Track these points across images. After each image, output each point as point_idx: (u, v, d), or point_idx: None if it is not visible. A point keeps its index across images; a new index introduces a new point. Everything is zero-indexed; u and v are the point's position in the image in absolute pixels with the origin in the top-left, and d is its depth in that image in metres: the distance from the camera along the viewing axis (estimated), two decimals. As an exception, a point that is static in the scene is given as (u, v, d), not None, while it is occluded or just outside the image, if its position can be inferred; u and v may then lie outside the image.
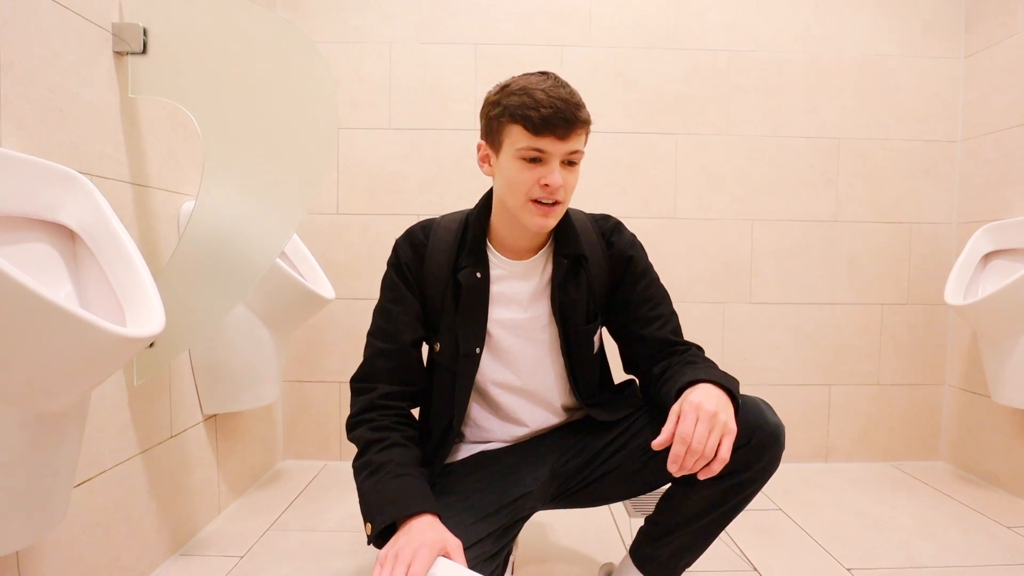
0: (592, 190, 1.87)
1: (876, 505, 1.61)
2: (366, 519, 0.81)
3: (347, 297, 1.84)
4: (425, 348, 1.01)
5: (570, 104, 0.84)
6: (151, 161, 1.20)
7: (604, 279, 1.00)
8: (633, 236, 1.03)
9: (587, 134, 0.91)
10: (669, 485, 0.97)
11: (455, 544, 0.75)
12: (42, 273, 0.81)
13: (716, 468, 0.75)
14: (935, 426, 1.97)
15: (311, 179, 1.16)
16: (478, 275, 0.94)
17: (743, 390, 0.92)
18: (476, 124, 1.88)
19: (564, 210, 0.92)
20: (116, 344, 0.69)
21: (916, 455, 1.97)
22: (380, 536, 0.79)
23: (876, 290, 1.93)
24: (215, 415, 1.47)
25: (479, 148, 0.95)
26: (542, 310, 0.98)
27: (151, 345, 1.11)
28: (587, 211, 1.05)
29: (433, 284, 0.95)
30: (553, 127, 0.83)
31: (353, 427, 0.92)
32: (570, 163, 0.88)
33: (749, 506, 0.94)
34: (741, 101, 1.88)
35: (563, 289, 0.97)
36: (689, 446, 0.74)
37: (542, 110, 0.82)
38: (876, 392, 1.95)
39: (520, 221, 0.90)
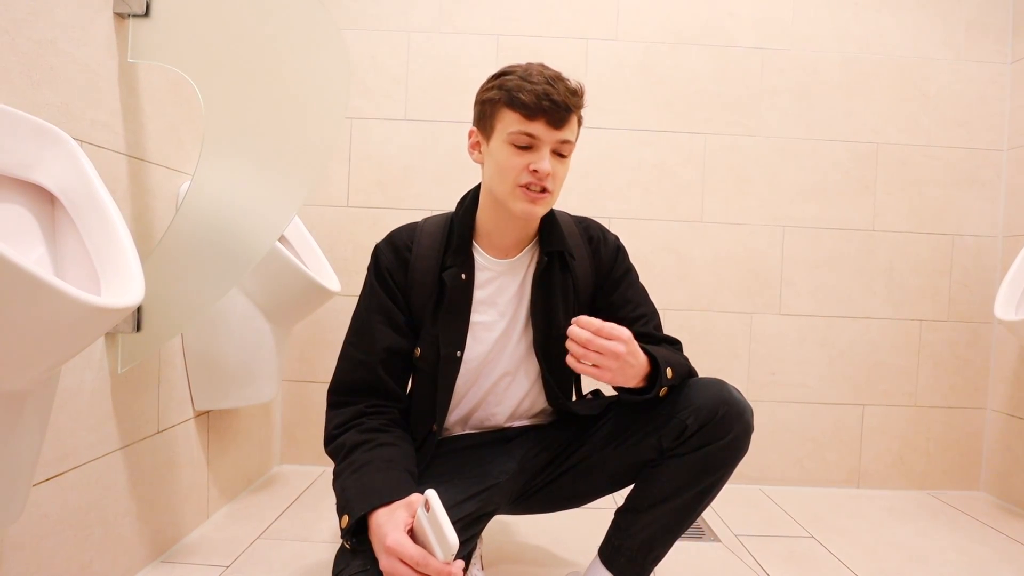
0: (616, 190, 1.79)
1: (916, 537, 1.48)
2: (342, 512, 0.77)
3: (353, 293, 1.73)
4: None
5: (566, 91, 0.83)
6: (150, 135, 1.13)
7: (589, 281, 0.99)
8: (617, 239, 1.03)
9: (580, 126, 0.90)
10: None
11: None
12: (12, 236, 0.72)
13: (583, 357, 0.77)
14: (976, 453, 1.83)
15: (316, 161, 1.08)
16: (463, 276, 0.92)
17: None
18: (495, 117, 1.82)
19: (552, 201, 0.90)
20: (85, 314, 0.60)
21: (955, 484, 1.83)
22: (356, 530, 0.73)
23: (914, 305, 1.81)
24: (208, 411, 1.37)
25: (470, 135, 0.93)
26: (523, 310, 0.96)
27: (139, 329, 1.03)
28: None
29: (419, 290, 0.93)
30: (546, 112, 0.82)
31: (335, 437, 0.87)
32: (560, 155, 0.87)
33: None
34: (773, 101, 1.79)
35: (544, 286, 0.94)
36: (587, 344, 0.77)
37: (536, 95, 0.81)
38: (913, 414, 1.82)
39: (508, 209, 0.89)
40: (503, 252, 0.95)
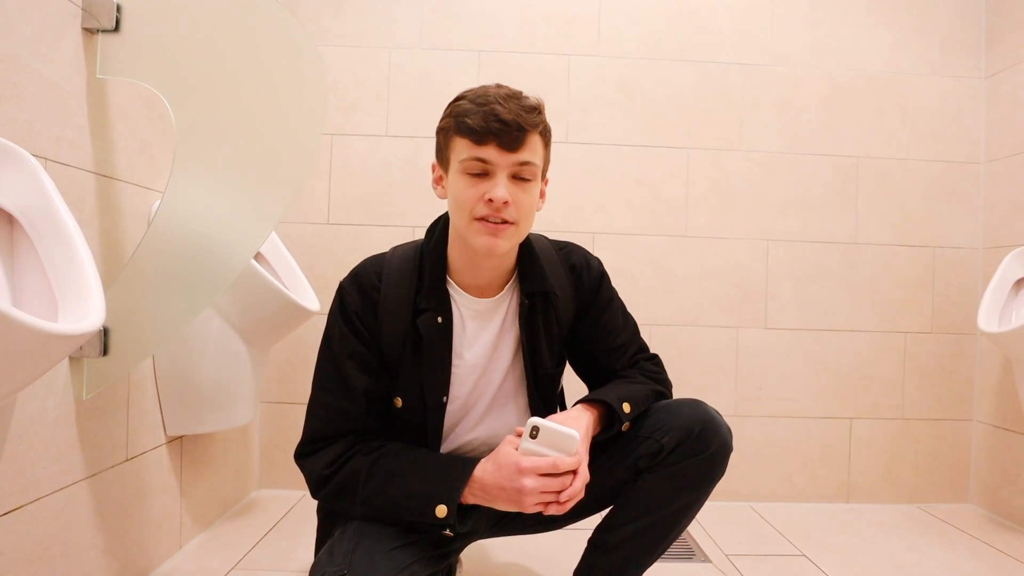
0: (599, 206, 1.78)
1: (908, 553, 1.46)
2: (428, 505, 0.77)
3: (335, 312, 1.72)
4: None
5: (518, 110, 0.76)
6: (121, 152, 1.10)
7: (570, 312, 0.95)
8: (599, 264, 0.98)
9: (545, 146, 0.82)
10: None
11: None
12: (-37, 258, 0.69)
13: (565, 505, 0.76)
14: (963, 466, 1.83)
15: (292, 177, 1.06)
16: (439, 320, 0.86)
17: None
18: (478, 133, 1.81)
19: (520, 233, 0.82)
20: (38, 341, 0.57)
21: (943, 497, 1.82)
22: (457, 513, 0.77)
23: (899, 317, 1.82)
24: (181, 437, 1.32)
25: (433, 169, 0.87)
26: (505, 349, 0.91)
27: (106, 352, 0.99)
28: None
29: (389, 332, 0.86)
30: (496, 135, 0.76)
31: (331, 476, 0.82)
32: (522, 178, 0.79)
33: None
34: (755, 116, 1.81)
35: (529, 331, 0.89)
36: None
37: (484, 117, 0.76)
38: (900, 427, 1.82)
39: (470, 245, 0.82)
40: (480, 291, 0.89)
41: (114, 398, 1.09)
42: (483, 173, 0.78)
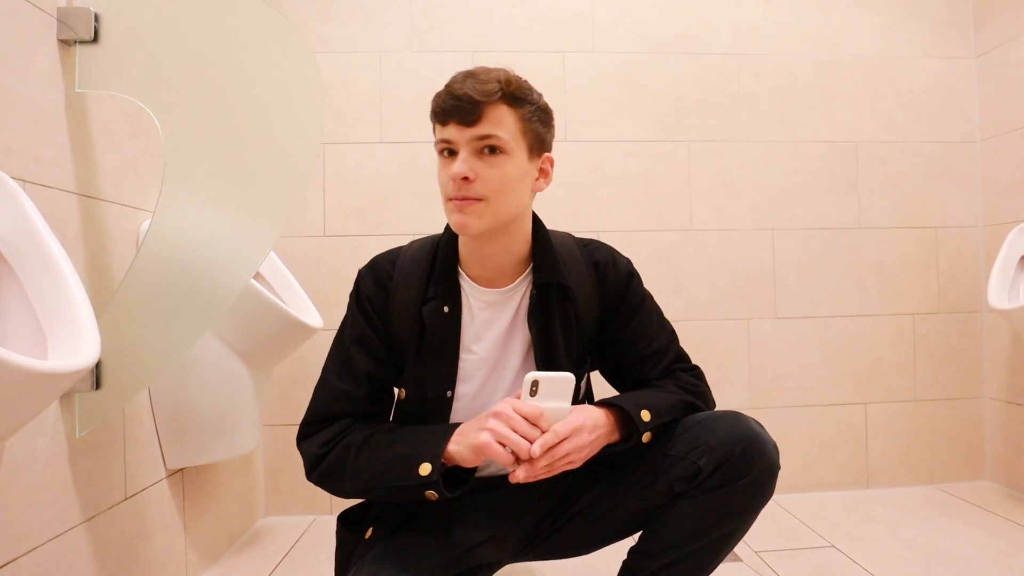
0: (602, 203, 1.74)
1: (936, 536, 1.44)
2: (412, 466, 0.73)
3: (335, 327, 1.65)
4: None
5: (471, 84, 0.74)
6: (105, 171, 1.03)
7: (595, 316, 0.88)
8: (629, 263, 0.91)
9: (520, 118, 0.77)
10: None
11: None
12: (-61, 293, 0.62)
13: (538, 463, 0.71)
14: (978, 443, 1.82)
15: (291, 191, 1.00)
16: (445, 309, 0.83)
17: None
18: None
19: (494, 211, 0.78)
20: (28, 382, 0.50)
21: (960, 475, 1.81)
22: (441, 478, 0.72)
23: (906, 299, 1.81)
24: (182, 469, 1.25)
25: None
26: (517, 344, 0.86)
27: (98, 387, 0.92)
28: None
29: (399, 321, 0.84)
30: (452, 113, 0.75)
31: (324, 455, 0.80)
32: (490, 150, 0.76)
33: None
34: (753, 106, 1.79)
35: (542, 320, 0.83)
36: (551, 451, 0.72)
37: (442, 97, 0.76)
38: (914, 409, 1.80)
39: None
40: (491, 281, 0.85)
41: (109, 434, 1.02)
42: (452, 152, 0.77)
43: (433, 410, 0.84)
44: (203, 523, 1.34)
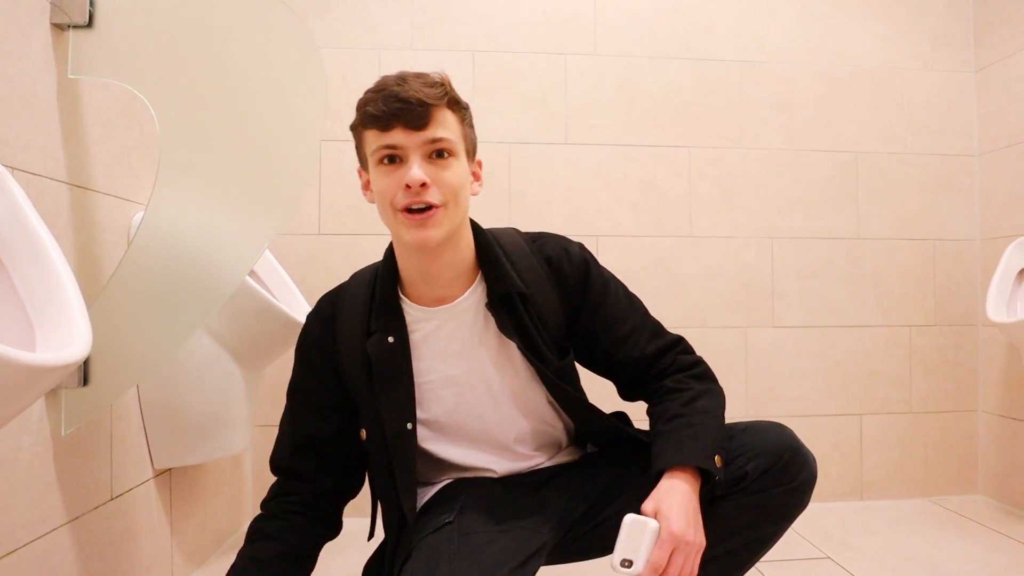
0: (601, 208, 1.73)
1: (932, 550, 1.44)
2: None
3: (329, 327, 1.62)
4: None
5: (419, 86, 0.72)
6: (97, 161, 1.00)
7: (557, 309, 0.85)
8: (581, 250, 0.87)
9: (462, 120, 0.77)
10: None
11: None
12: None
13: None
14: (971, 457, 1.82)
15: (290, 187, 0.98)
16: (390, 339, 0.80)
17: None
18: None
19: (452, 217, 0.75)
20: (14, 375, 0.48)
21: (953, 489, 1.81)
22: None
23: (903, 311, 1.81)
24: (169, 469, 1.22)
25: (359, 175, 0.82)
26: (483, 360, 0.83)
27: (86, 383, 0.89)
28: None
29: (348, 361, 0.83)
30: (399, 116, 0.71)
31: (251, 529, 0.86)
32: (439, 154, 0.74)
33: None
34: (754, 113, 1.78)
35: (518, 328, 0.81)
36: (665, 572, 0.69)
37: (384, 102, 0.71)
38: (909, 421, 1.80)
39: (403, 243, 0.77)
40: (440, 299, 0.81)
41: (96, 432, 0.99)
42: (396, 159, 0.74)
43: (396, 446, 0.81)
44: (190, 525, 1.30)
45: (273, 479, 0.90)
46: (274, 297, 1.35)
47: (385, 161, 0.74)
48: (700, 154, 1.77)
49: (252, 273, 1.38)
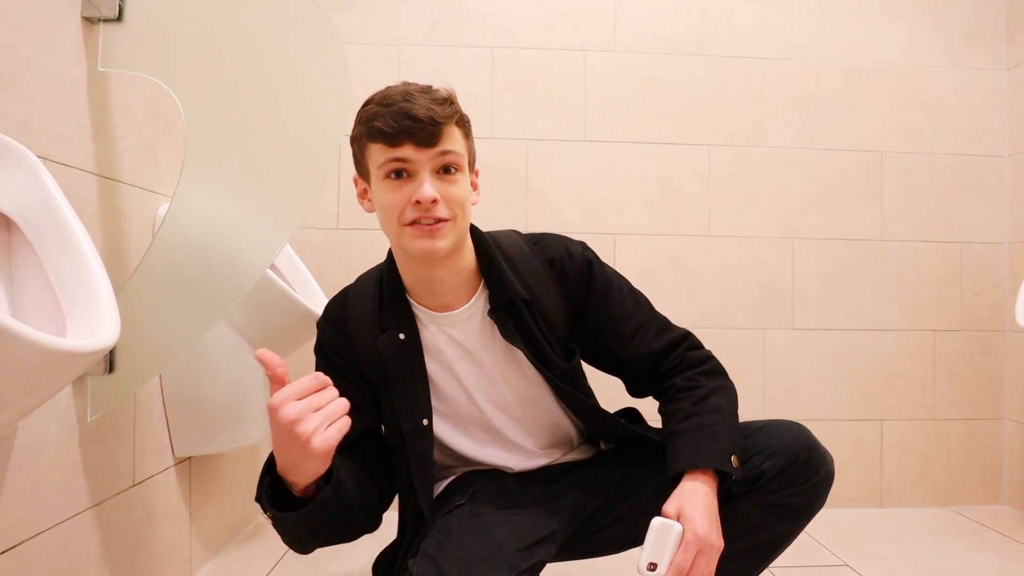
0: (618, 206, 1.72)
1: (954, 560, 1.41)
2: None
3: (346, 321, 1.64)
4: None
5: (429, 103, 0.73)
6: (123, 153, 1.02)
7: (560, 312, 0.85)
8: (583, 249, 0.87)
9: (466, 135, 0.79)
10: None
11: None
12: (-44, 268, 0.61)
13: None
14: (996, 466, 1.78)
15: (311, 181, 0.99)
16: (401, 336, 0.81)
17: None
18: (492, 132, 1.74)
19: (459, 229, 0.76)
20: (47, 360, 0.49)
21: (977, 499, 1.77)
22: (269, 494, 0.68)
23: (927, 315, 1.77)
24: (189, 458, 1.24)
25: (355, 183, 0.83)
26: (487, 366, 0.84)
27: (112, 370, 0.90)
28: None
29: (366, 362, 0.84)
30: (410, 133, 0.72)
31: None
32: (446, 169, 0.75)
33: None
34: (776, 111, 1.76)
35: (522, 335, 0.81)
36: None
37: (395, 117, 0.71)
38: (931, 428, 1.77)
39: (409, 255, 0.78)
40: (445, 305, 0.83)
41: (120, 419, 1.01)
42: (405, 174, 0.74)
43: (413, 442, 0.82)
44: (208, 513, 1.32)
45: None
46: (293, 290, 1.37)
47: (392, 176, 0.74)
48: (720, 152, 1.75)
49: (272, 266, 1.40)
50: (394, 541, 0.89)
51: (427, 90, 0.75)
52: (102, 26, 0.91)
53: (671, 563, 0.68)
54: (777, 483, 0.76)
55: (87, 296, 0.60)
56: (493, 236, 0.86)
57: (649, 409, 0.95)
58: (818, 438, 0.80)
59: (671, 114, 1.74)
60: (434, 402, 0.84)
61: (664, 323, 0.88)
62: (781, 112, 1.76)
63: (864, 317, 1.76)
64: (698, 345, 0.88)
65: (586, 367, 0.93)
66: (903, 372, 1.76)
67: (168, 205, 1.11)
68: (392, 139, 0.72)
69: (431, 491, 0.83)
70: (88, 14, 0.89)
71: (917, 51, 1.79)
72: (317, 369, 0.87)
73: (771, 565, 1.33)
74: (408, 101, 0.72)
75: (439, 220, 0.73)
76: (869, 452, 1.75)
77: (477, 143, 1.88)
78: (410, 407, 0.82)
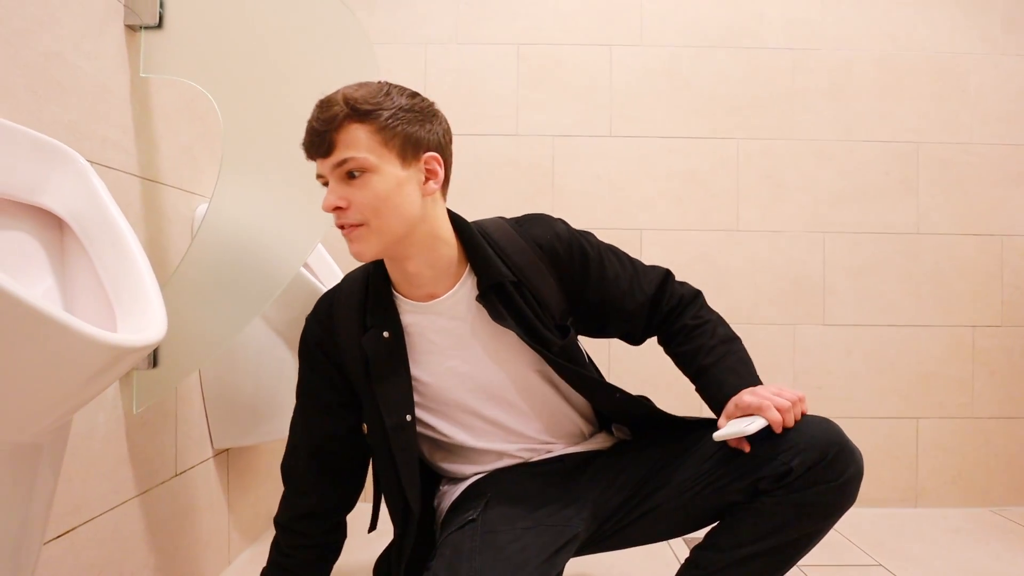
0: (645, 201, 1.71)
1: (993, 562, 1.37)
2: None
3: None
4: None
5: (316, 115, 0.74)
6: (164, 155, 1.06)
7: (553, 290, 0.85)
8: (567, 228, 0.88)
9: (379, 129, 0.73)
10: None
11: None
12: (16, 266, 0.64)
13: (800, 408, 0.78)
14: (1039, 466, 1.72)
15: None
16: (385, 334, 0.82)
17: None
18: (517, 129, 1.74)
19: (379, 231, 0.75)
20: (100, 354, 0.52)
21: (1017, 499, 1.71)
22: None
23: (965, 310, 1.72)
24: (227, 450, 1.28)
25: None
26: (477, 352, 0.84)
27: (155, 365, 0.94)
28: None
29: (349, 357, 0.85)
30: (313, 147, 0.75)
31: (276, 523, 0.95)
32: (351, 175, 0.73)
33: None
34: (807, 103, 1.72)
35: (514, 316, 0.81)
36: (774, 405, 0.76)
37: (306, 133, 0.76)
38: (970, 426, 1.72)
39: None
40: (429, 294, 0.83)
41: (163, 411, 1.05)
42: (327, 185, 0.77)
43: (397, 438, 0.83)
44: (245, 502, 1.37)
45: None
46: (325, 287, 1.40)
47: (325, 186, 0.78)
48: (748, 145, 1.72)
49: (304, 264, 1.43)
50: (390, 544, 0.91)
51: (328, 98, 0.75)
52: (143, 33, 0.95)
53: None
54: (806, 480, 0.75)
55: (135, 294, 0.63)
56: (479, 224, 0.87)
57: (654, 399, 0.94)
58: (849, 436, 0.79)
59: (698, 108, 1.72)
60: (425, 397, 0.85)
61: (643, 265, 0.92)
62: (812, 103, 1.72)
63: (898, 313, 1.72)
64: (674, 275, 0.93)
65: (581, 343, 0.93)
66: (939, 369, 1.71)
67: (206, 205, 1.14)
68: (308, 153, 0.76)
69: (418, 486, 0.84)
70: (130, 22, 0.93)
71: (955, 38, 1.73)
72: (300, 373, 0.90)
73: (802, 564, 1.33)
74: (314, 113, 0.75)
75: (352, 225, 0.75)
76: (904, 451, 1.71)
77: (502, 140, 1.87)
78: (392, 403, 0.83)
